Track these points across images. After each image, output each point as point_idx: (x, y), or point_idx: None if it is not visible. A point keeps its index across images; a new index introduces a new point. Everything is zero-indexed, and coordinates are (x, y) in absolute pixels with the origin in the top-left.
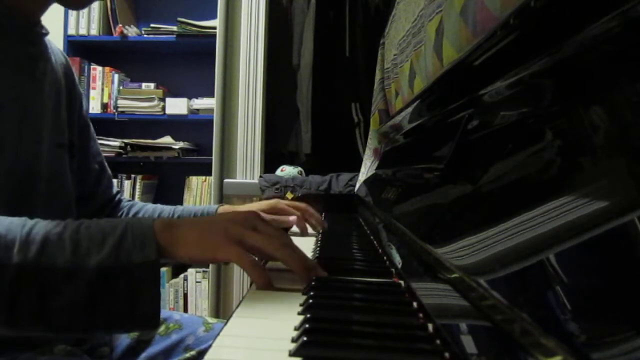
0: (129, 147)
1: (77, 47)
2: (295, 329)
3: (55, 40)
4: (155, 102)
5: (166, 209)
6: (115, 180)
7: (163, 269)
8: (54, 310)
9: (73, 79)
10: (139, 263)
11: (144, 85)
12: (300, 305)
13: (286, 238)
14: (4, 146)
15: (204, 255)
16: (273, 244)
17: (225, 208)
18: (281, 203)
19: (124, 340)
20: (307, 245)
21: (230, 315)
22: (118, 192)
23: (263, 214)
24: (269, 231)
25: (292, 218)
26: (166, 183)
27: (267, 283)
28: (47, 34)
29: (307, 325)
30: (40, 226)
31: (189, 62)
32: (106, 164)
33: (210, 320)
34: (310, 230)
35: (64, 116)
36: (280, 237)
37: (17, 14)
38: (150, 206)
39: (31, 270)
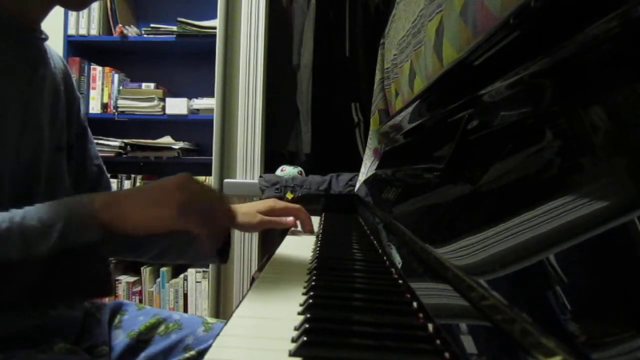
0: (129, 147)
1: (77, 47)
2: (295, 329)
3: (55, 41)
4: (155, 102)
5: None
6: (115, 181)
7: (163, 269)
8: (9, 296)
9: (71, 83)
10: (83, 245)
11: (144, 85)
12: (300, 305)
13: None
14: (6, 150)
15: (148, 228)
16: (210, 221)
17: None
18: (279, 203)
19: (123, 339)
20: (307, 245)
21: (230, 315)
22: None
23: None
24: (206, 197)
25: (290, 219)
26: None
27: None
28: (46, 38)
29: (307, 325)
30: None
31: (189, 62)
32: (104, 168)
33: (210, 320)
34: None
35: (63, 119)
36: (220, 203)
37: (17, 19)
38: None
39: None
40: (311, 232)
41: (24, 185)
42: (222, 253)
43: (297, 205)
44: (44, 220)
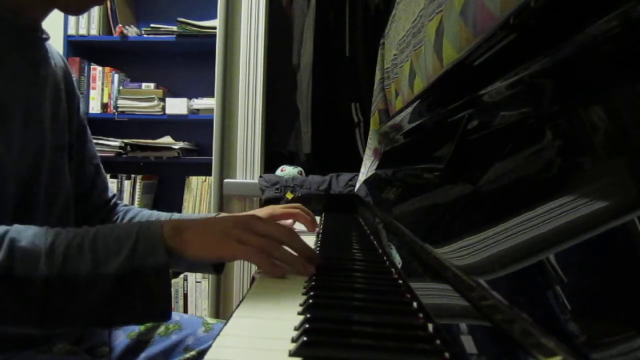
0: (128, 147)
1: (77, 47)
2: (295, 329)
3: (55, 41)
4: (155, 102)
5: (162, 216)
6: (115, 181)
7: None
8: (77, 312)
9: (71, 82)
10: (151, 267)
11: (144, 85)
12: (300, 305)
13: (282, 236)
14: (10, 152)
15: (210, 255)
16: (268, 246)
17: (220, 215)
18: (277, 210)
19: (123, 340)
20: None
21: (230, 315)
22: (114, 196)
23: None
24: (266, 231)
25: (289, 222)
26: (166, 183)
27: (277, 272)
28: (47, 38)
29: (307, 325)
30: (61, 238)
31: (189, 62)
32: (102, 167)
33: (210, 320)
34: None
35: (64, 118)
36: (275, 237)
37: (19, 20)
38: (146, 212)
39: (57, 280)
40: (314, 229)
41: (26, 185)
42: (217, 265)
43: (296, 206)
44: (114, 239)
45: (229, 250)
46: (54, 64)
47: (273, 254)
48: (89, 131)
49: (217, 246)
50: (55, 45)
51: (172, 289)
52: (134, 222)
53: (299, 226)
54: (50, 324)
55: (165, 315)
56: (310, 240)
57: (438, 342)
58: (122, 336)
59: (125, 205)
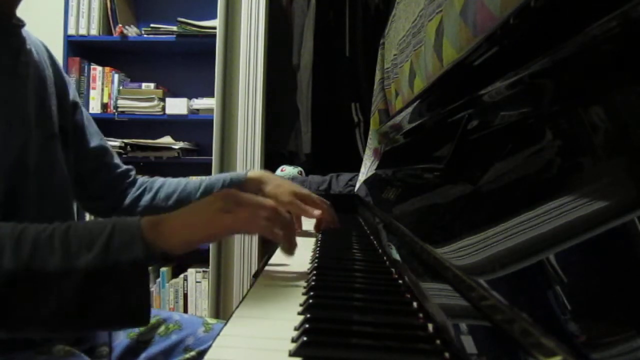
0: (129, 147)
1: (77, 47)
2: (295, 329)
3: (55, 41)
4: (155, 102)
5: (191, 182)
6: None
7: (163, 269)
8: (46, 311)
9: (58, 66)
10: (126, 263)
11: (144, 85)
12: (300, 305)
13: (266, 211)
14: None
15: (197, 237)
16: (256, 217)
17: (256, 172)
18: (314, 195)
19: (123, 340)
20: (307, 245)
21: (230, 315)
22: (131, 170)
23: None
24: (251, 203)
25: (317, 212)
26: None
27: (273, 235)
28: (23, 25)
29: (307, 325)
30: (29, 230)
31: (189, 62)
32: (107, 143)
33: (210, 320)
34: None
35: (53, 106)
36: (261, 210)
37: None
38: (172, 181)
39: (23, 274)
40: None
41: (12, 179)
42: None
43: (326, 202)
44: (88, 232)
45: (218, 224)
46: (35, 51)
47: (257, 230)
48: (84, 110)
49: (204, 225)
50: (55, 45)
51: (172, 289)
52: (111, 218)
53: (304, 225)
54: (16, 323)
55: (144, 316)
56: (310, 240)
57: (438, 342)
58: (122, 336)
59: (149, 178)
